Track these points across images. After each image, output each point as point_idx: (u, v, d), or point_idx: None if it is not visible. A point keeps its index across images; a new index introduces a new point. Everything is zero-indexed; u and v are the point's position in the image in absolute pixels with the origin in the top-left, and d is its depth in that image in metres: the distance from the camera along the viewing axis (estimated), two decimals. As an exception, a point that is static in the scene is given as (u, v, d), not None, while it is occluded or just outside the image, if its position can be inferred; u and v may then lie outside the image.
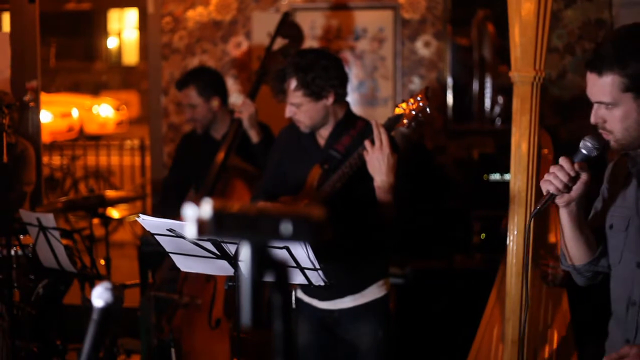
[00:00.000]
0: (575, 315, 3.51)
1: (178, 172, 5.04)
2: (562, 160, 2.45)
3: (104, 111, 17.47)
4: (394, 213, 3.35)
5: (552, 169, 2.46)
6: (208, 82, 4.78)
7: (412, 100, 3.26)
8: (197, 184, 4.77)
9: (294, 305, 3.21)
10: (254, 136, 4.55)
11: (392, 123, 3.30)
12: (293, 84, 3.50)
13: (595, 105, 2.42)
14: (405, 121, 3.26)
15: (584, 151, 2.45)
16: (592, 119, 2.44)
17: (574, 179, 2.44)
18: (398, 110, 3.30)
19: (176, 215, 4.32)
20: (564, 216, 2.52)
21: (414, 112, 3.25)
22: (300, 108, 3.53)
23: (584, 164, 2.46)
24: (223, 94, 4.83)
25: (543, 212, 2.61)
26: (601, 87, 2.37)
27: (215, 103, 4.76)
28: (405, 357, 5.06)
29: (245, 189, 4.48)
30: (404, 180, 3.32)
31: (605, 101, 2.38)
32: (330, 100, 3.53)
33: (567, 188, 2.44)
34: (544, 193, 2.49)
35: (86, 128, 16.83)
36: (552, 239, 3.53)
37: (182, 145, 5.15)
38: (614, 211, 2.56)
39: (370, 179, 3.30)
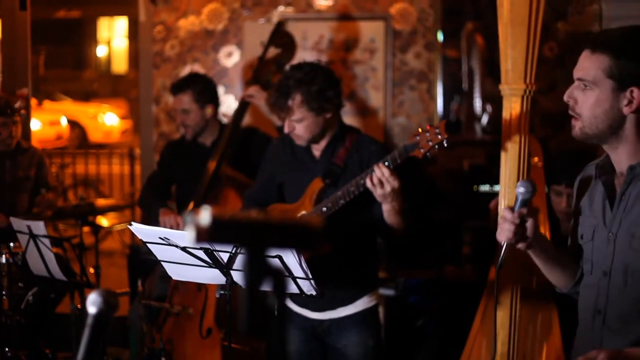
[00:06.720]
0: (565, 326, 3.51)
1: (162, 175, 4.93)
2: (504, 212, 2.52)
3: (109, 120, 17.34)
4: (405, 230, 3.37)
5: (499, 220, 2.55)
6: (204, 89, 4.74)
7: (430, 131, 3.17)
8: (183, 189, 4.76)
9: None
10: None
11: (408, 151, 3.23)
12: (298, 98, 3.47)
13: (575, 83, 2.42)
14: (421, 151, 3.19)
15: (520, 197, 2.53)
16: (565, 97, 2.43)
17: (521, 225, 2.51)
18: (415, 139, 3.21)
19: (153, 210, 4.47)
20: (533, 256, 2.60)
21: (430, 143, 3.17)
22: (301, 123, 3.51)
23: (525, 209, 2.53)
24: (216, 103, 4.81)
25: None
26: (589, 63, 2.36)
27: (209, 111, 4.73)
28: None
29: (238, 199, 4.47)
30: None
31: (586, 78, 2.37)
32: (330, 113, 3.53)
33: (519, 234, 2.51)
34: (500, 244, 2.56)
35: (91, 136, 16.71)
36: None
37: (167, 151, 5.05)
38: (584, 221, 2.59)
39: (373, 198, 3.30)
